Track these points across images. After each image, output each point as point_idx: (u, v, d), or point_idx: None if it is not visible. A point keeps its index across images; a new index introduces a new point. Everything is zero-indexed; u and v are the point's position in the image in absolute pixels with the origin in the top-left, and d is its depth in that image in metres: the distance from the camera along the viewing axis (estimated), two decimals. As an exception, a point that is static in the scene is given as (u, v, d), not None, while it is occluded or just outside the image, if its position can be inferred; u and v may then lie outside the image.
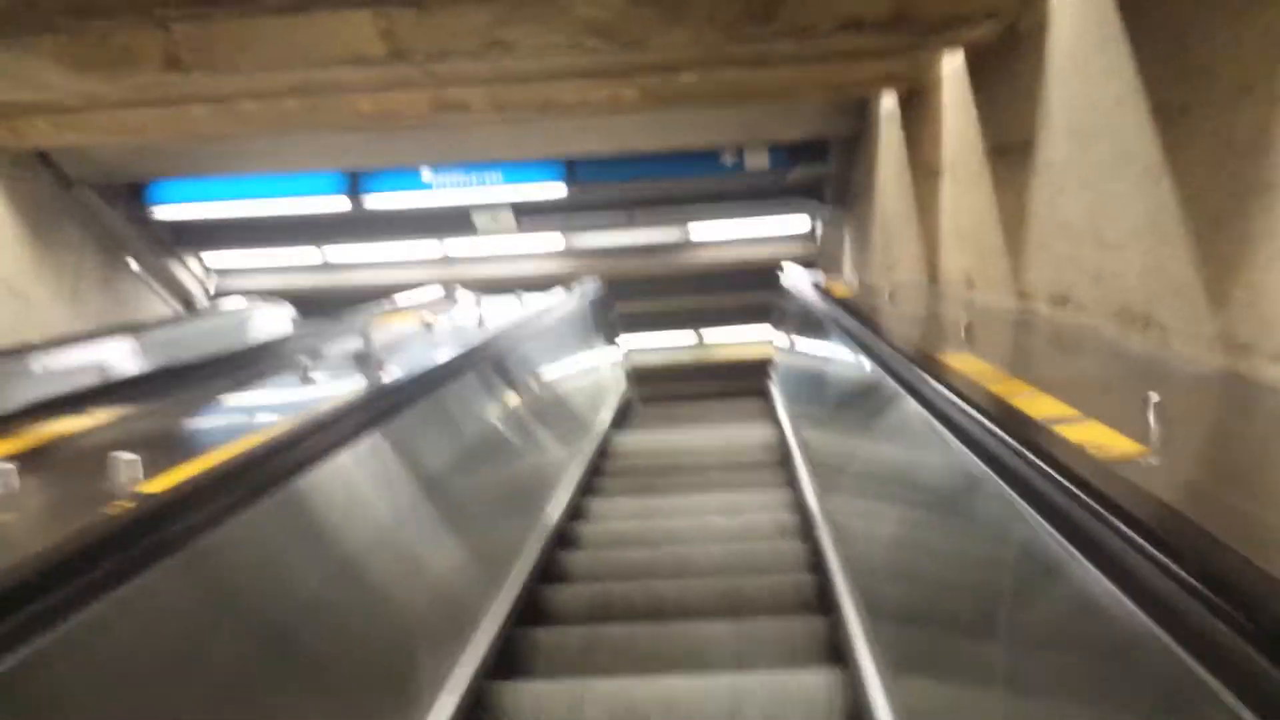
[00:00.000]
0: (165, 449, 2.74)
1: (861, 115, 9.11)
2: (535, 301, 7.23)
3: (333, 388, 3.64)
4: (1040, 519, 1.88)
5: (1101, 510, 1.61)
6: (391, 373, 3.85)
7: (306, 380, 3.80)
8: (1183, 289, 3.18)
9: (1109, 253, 3.78)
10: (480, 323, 5.75)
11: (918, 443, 2.91)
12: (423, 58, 4.99)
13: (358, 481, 3.10)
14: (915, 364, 2.97)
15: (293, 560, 2.59)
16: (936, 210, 6.41)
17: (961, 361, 2.92)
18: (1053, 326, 4.13)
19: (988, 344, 3.28)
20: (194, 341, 7.31)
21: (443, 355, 4.41)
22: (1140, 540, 1.53)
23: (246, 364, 5.14)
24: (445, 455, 3.95)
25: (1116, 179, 3.68)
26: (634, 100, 6.80)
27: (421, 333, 5.80)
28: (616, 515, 5.44)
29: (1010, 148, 4.87)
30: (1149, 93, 3.45)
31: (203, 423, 3.53)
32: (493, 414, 4.87)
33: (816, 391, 5.33)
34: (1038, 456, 1.86)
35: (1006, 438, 2.04)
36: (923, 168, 6.79)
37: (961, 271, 5.85)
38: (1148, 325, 3.48)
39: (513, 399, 5.28)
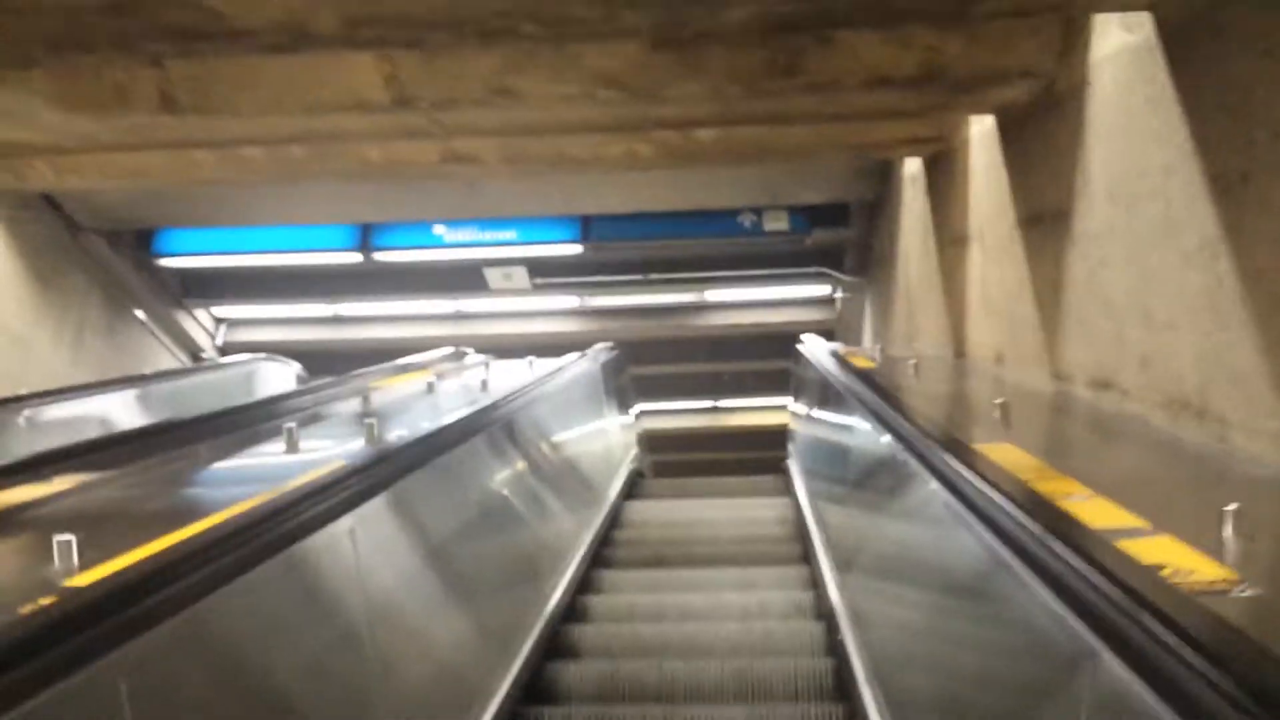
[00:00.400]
0: (116, 527, 2.45)
1: (884, 178, 8.87)
2: (545, 365, 6.96)
3: (322, 455, 3.36)
4: (1102, 646, 1.57)
5: (1195, 660, 1.29)
6: (387, 439, 3.56)
7: (293, 448, 3.50)
8: (1243, 378, 2.87)
9: (1158, 334, 3.48)
10: (486, 386, 5.45)
11: (947, 538, 2.59)
12: (428, 105, 4.77)
13: (341, 560, 2.79)
14: (947, 450, 2.66)
15: (261, 655, 2.27)
16: (963, 280, 6.13)
17: (999, 452, 2.61)
18: (1095, 413, 3.81)
19: (1026, 430, 2.97)
20: (191, 397, 7.05)
21: (445, 420, 4.11)
22: (1243, 699, 1.22)
23: (242, 424, 4.89)
24: (445, 527, 3.65)
25: (1166, 252, 3.38)
26: (650, 157, 6.57)
27: (425, 395, 5.53)
28: (628, 588, 5.14)
29: (1045, 216, 4.59)
30: (1204, 159, 3.17)
31: (170, 493, 3.24)
32: (499, 482, 4.58)
33: (837, 470, 5.01)
34: (1107, 580, 1.55)
35: (1063, 551, 1.72)
36: (949, 234, 6.52)
37: (991, 346, 5.54)
38: (1203, 417, 3.17)
39: (521, 467, 4.98)
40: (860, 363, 5.91)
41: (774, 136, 6.31)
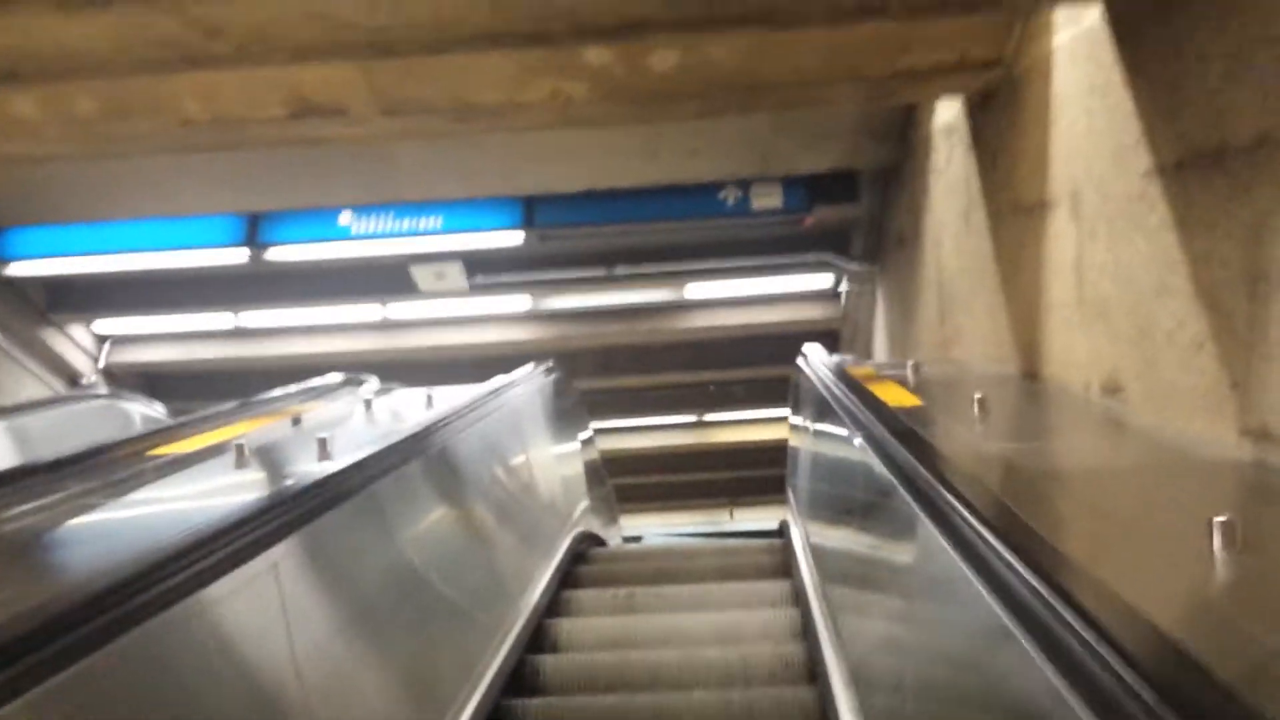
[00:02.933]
0: None
1: (903, 138, 6.95)
2: (447, 403, 5.01)
3: None
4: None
5: None
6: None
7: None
8: None
9: None
10: (326, 448, 3.42)
11: None
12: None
13: None
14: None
15: None
16: (1038, 264, 4.20)
17: None
18: None
19: None
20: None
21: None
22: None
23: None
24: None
25: None
26: (588, 101, 4.63)
27: (258, 452, 3.60)
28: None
29: (1233, 149, 2.65)
30: None
31: None
32: (319, 618, 2.62)
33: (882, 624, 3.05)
34: None
35: None
36: (1010, 201, 4.60)
37: (1095, 368, 3.61)
38: None
39: (376, 577, 3.03)
40: (889, 394, 3.97)
41: (763, 61, 4.37)
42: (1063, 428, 3.37)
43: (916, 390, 4.14)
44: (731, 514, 14.29)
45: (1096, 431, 3.19)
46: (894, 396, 3.89)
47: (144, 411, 6.79)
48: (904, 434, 2.71)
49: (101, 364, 9.85)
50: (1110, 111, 3.44)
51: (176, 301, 9.19)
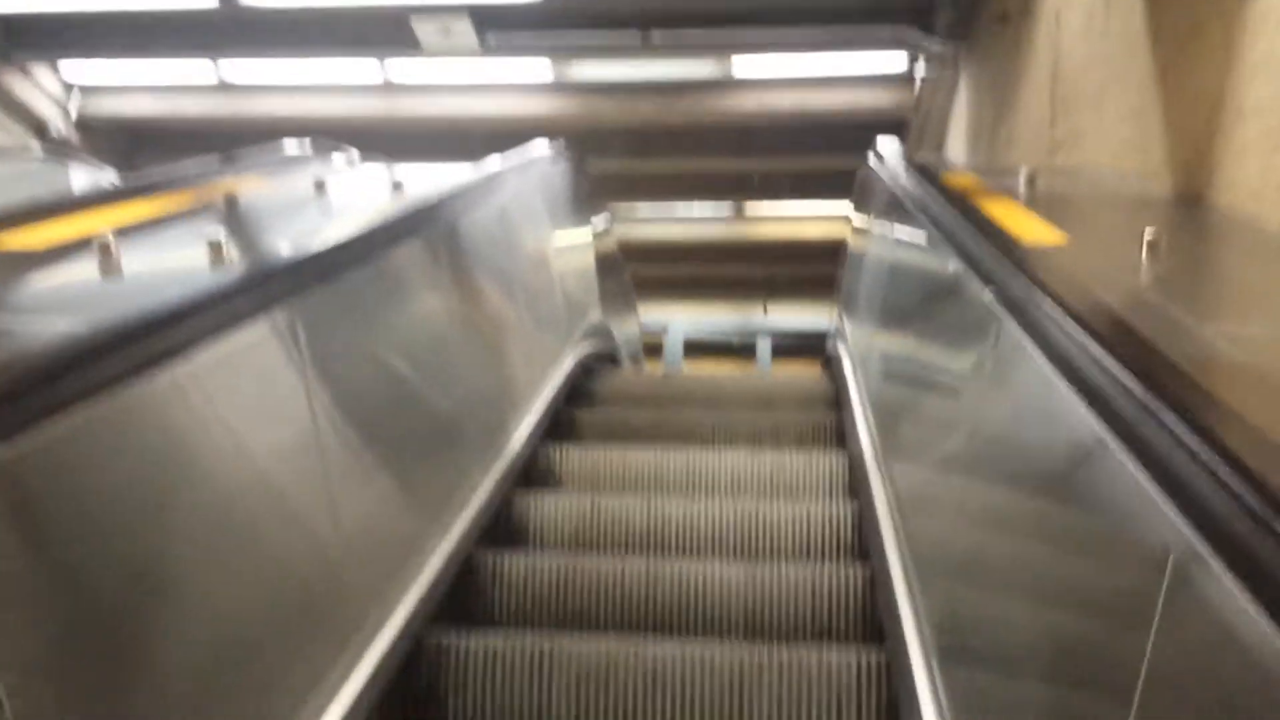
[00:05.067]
0: None
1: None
2: (425, 182, 3.96)
3: None
4: None
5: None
6: None
7: None
8: None
9: None
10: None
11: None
12: None
13: None
14: None
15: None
16: (1227, 54, 3.04)
17: None
18: None
19: None
20: None
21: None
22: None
23: None
24: None
25: None
26: None
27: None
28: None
29: None
30: None
31: None
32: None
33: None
34: None
35: None
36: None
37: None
38: None
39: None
40: (1012, 219, 2.92)
41: None
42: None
43: (1040, 211, 3.06)
44: (765, 309, 13.42)
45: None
46: (1019, 225, 2.82)
47: (95, 176, 5.78)
48: (1083, 318, 1.67)
49: (73, 115, 8.77)
50: None
51: (146, 45, 7.98)
